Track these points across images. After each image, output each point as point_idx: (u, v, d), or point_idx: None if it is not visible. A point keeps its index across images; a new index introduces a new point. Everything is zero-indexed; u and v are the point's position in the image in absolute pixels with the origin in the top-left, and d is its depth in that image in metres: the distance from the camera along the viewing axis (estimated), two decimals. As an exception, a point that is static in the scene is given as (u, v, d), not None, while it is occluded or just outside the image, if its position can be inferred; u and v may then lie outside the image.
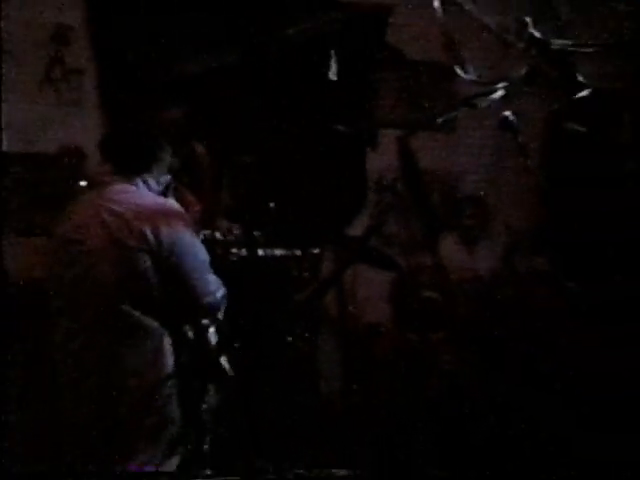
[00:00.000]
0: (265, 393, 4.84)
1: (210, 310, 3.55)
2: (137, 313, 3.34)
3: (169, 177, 3.59)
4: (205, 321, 3.57)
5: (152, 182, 3.49)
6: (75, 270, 3.38)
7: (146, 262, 3.32)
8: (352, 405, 5.68)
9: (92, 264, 3.34)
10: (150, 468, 3.35)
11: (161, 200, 3.52)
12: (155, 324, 3.37)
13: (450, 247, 6.04)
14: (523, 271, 5.65)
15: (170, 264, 3.36)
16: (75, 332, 3.41)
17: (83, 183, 4.75)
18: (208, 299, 3.50)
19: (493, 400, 5.21)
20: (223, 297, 3.56)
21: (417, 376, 5.64)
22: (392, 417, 5.47)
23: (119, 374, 3.35)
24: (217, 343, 3.60)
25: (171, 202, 3.54)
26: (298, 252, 5.46)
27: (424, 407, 5.43)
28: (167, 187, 3.61)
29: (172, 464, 3.44)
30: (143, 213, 3.35)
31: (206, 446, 3.74)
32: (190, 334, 3.53)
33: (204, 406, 3.63)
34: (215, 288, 3.52)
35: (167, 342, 3.41)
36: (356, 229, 5.83)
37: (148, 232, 3.30)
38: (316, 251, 5.57)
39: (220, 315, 3.62)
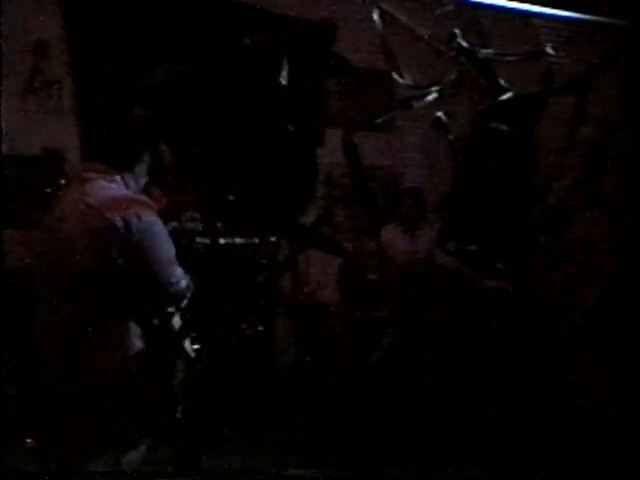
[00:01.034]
0: (227, 367, 5.08)
1: (174, 299, 3.53)
2: (106, 299, 3.32)
3: (147, 179, 3.61)
4: (170, 309, 3.54)
5: (131, 181, 3.52)
6: (55, 259, 3.41)
7: (116, 253, 3.32)
8: (305, 375, 6.01)
9: (68, 253, 3.35)
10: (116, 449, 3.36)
11: (134, 196, 3.50)
12: (121, 310, 3.36)
13: (391, 234, 6.17)
14: (456, 254, 5.89)
15: (138, 255, 3.36)
16: (53, 315, 3.41)
17: (63, 181, 4.82)
18: (172, 289, 3.47)
19: (430, 369, 5.54)
20: (187, 287, 3.53)
21: (362, 349, 5.87)
22: (341, 386, 5.68)
23: (87, 355, 3.33)
24: (180, 327, 3.60)
25: (143, 198, 3.53)
26: (256, 240, 5.72)
27: (368, 375, 5.68)
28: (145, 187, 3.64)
29: (140, 451, 3.45)
30: (116, 207, 3.35)
31: (178, 415, 3.78)
32: (155, 320, 3.51)
33: (174, 381, 3.62)
34: (179, 279, 3.49)
35: (133, 327, 3.39)
36: (308, 218, 5.97)
37: (119, 225, 3.31)
38: (273, 239, 5.82)
39: (183, 303, 3.57)
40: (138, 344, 3.41)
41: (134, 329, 3.41)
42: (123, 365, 3.37)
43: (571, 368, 5.37)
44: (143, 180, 3.61)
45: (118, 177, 3.49)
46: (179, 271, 3.50)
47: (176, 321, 3.60)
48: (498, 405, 5.06)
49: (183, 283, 3.50)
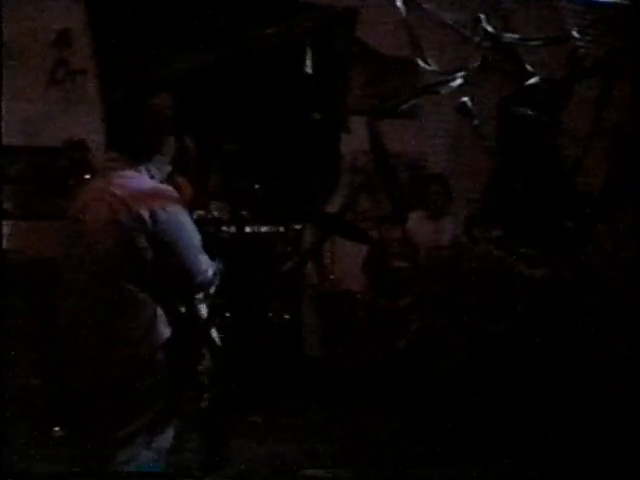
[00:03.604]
0: (253, 354, 5.01)
1: (202, 287, 3.49)
2: (133, 288, 3.29)
3: (170, 167, 3.56)
4: (198, 296, 3.51)
5: (155, 170, 3.48)
6: (80, 247, 3.37)
7: (142, 242, 3.29)
8: (332, 363, 5.92)
9: (94, 242, 3.31)
10: (142, 436, 3.31)
11: (159, 186, 3.47)
12: (149, 299, 3.32)
13: (417, 221, 6.15)
14: (482, 240, 5.73)
15: (165, 244, 3.33)
16: (78, 304, 3.36)
17: (87, 176, 4.77)
18: (200, 278, 3.43)
19: (455, 354, 5.40)
20: (214, 275, 3.49)
21: (388, 336, 5.80)
22: (368, 372, 5.62)
23: (116, 344, 3.29)
24: (207, 316, 3.57)
25: (168, 188, 3.49)
26: (281, 228, 5.68)
27: (394, 362, 5.59)
28: (169, 176, 3.60)
29: (167, 437, 3.40)
30: (141, 197, 3.33)
31: (205, 403, 3.77)
32: (182, 308, 3.47)
33: (200, 368, 3.59)
34: (206, 267, 3.45)
35: (161, 315, 3.36)
36: (333, 206, 5.89)
37: (145, 215, 3.28)
38: (297, 227, 5.78)
39: (211, 291, 3.52)
40: (166, 332, 3.34)
41: (162, 317, 3.34)
42: (151, 354, 3.30)
43: (597, 355, 5.28)
44: (167, 169, 3.54)
45: (142, 167, 3.43)
46: (206, 259, 3.45)
47: (203, 309, 3.54)
48: (526, 393, 4.93)
49: (210, 271, 3.44)
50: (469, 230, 5.81)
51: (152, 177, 3.46)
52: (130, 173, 3.41)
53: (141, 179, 3.42)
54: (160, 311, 3.35)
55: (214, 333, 3.64)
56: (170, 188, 3.50)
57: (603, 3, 5.17)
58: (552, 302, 5.43)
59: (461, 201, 6.22)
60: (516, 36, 4.98)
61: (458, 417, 4.91)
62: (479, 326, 5.48)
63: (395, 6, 4.84)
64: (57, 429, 5.11)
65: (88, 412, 3.41)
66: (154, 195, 3.37)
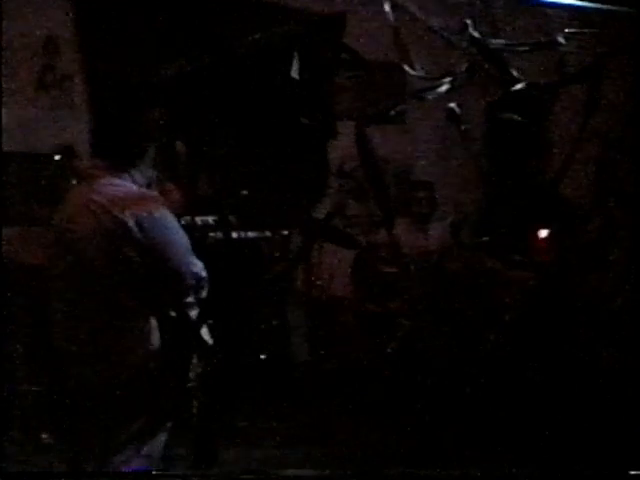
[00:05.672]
0: (241, 359, 5.02)
1: (194, 290, 3.49)
2: (124, 295, 3.32)
3: (154, 172, 3.57)
4: (189, 299, 3.49)
5: (138, 176, 3.49)
6: (68, 257, 3.40)
7: (130, 249, 3.32)
8: (321, 367, 5.96)
9: (82, 251, 3.34)
10: (135, 445, 3.34)
11: (143, 191, 3.49)
12: (140, 305, 3.35)
13: (404, 226, 6.15)
14: (470, 246, 5.79)
15: (153, 250, 3.36)
16: (69, 311, 3.39)
17: (74, 182, 4.78)
18: (191, 280, 3.44)
19: (444, 359, 5.43)
20: (205, 276, 3.50)
21: (376, 341, 5.84)
22: (357, 376, 5.66)
23: (108, 352, 3.31)
24: (198, 316, 3.54)
25: (152, 193, 3.53)
26: (269, 233, 5.68)
27: (383, 367, 5.61)
28: (152, 180, 3.60)
29: (159, 444, 3.44)
30: (125, 203, 3.35)
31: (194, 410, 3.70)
32: (172, 312, 3.47)
33: (190, 375, 3.56)
34: (197, 269, 3.46)
35: (153, 321, 3.38)
36: (320, 212, 5.95)
37: (129, 221, 3.31)
38: (285, 232, 5.78)
39: (204, 293, 3.53)
40: (157, 339, 3.37)
41: (153, 324, 3.37)
42: (143, 361, 3.34)
43: (591, 358, 5.31)
44: (150, 174, 3.55)
45: (125, 173, 3.45)
46: (196, 261, 3.46)
47: (194, 312, 3.53)
48: (514, 398, 4.96)
49: (201, 273, 3.46)
50: (456, 235, 5.88)
51: (135, 183, 3.47)
52: (113, 180, 3.43)
53: (125, 185, 3.44)
54: (151, 318, 3.36)
55: (205, 333, 3.60)
56: (154, 193, 3.53)
57: (590, 9, 5.22)
58: (541, 304, 5.48)
59: (448, 206, 6.23)
60: (503, 42, 5.03)
61: (449, 420, 4.98)
62: (468, 330, 5.52)
63: (383, 12, 4.87)
64: (45, 436, 5.12)
65: (81, 419, 3.43)
66: (138, 201, 3.39)
